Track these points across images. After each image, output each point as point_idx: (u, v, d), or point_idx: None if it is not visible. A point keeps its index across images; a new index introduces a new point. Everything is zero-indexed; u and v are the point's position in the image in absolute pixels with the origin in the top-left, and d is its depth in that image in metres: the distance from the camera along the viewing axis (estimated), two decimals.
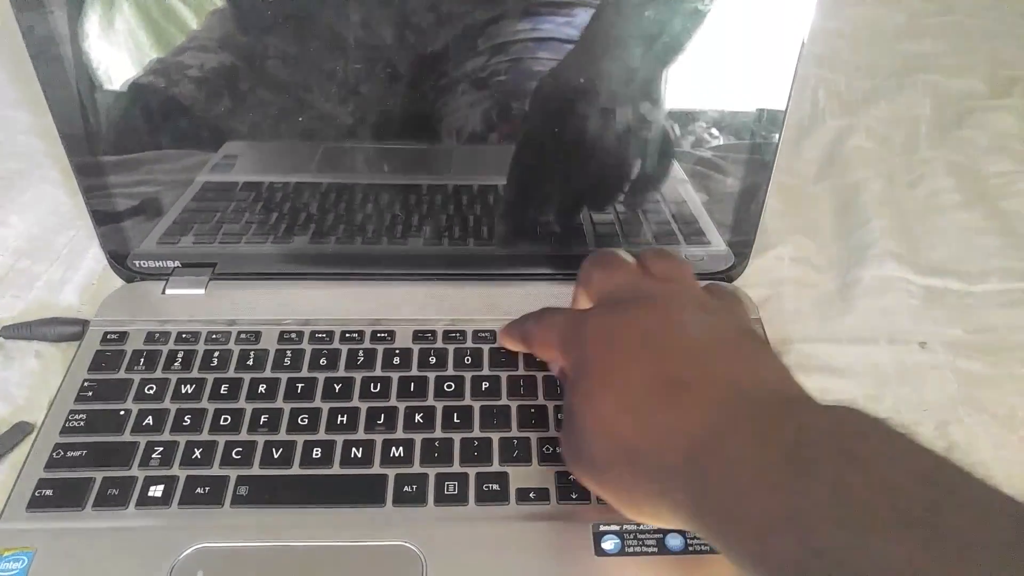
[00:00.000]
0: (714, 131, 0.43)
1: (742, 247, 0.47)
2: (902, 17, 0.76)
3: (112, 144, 0.41)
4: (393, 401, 0.39)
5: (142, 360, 0.40)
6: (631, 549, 0.34)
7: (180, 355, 0.41)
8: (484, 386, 0.40)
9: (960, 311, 0.48)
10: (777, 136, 0.42)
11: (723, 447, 0.26)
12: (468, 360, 0.42)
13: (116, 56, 0.39)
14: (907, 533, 0.21)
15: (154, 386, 0.39)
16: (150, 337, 0.42)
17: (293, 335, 0.42)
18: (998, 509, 0.21)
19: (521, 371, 0.41)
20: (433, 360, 0.41)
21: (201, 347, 0.41)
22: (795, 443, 0.25)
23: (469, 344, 0.42)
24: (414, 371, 0.41)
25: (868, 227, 0.52)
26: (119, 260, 0.45)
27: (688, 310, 0.33)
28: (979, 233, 0.53)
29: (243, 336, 0.42)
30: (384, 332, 0.43)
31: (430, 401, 0.40)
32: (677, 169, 0.45)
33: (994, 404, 0.43)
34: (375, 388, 0.40)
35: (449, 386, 0.40)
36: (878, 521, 0.21)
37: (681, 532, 0.34)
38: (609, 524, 0.35)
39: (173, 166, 0.43)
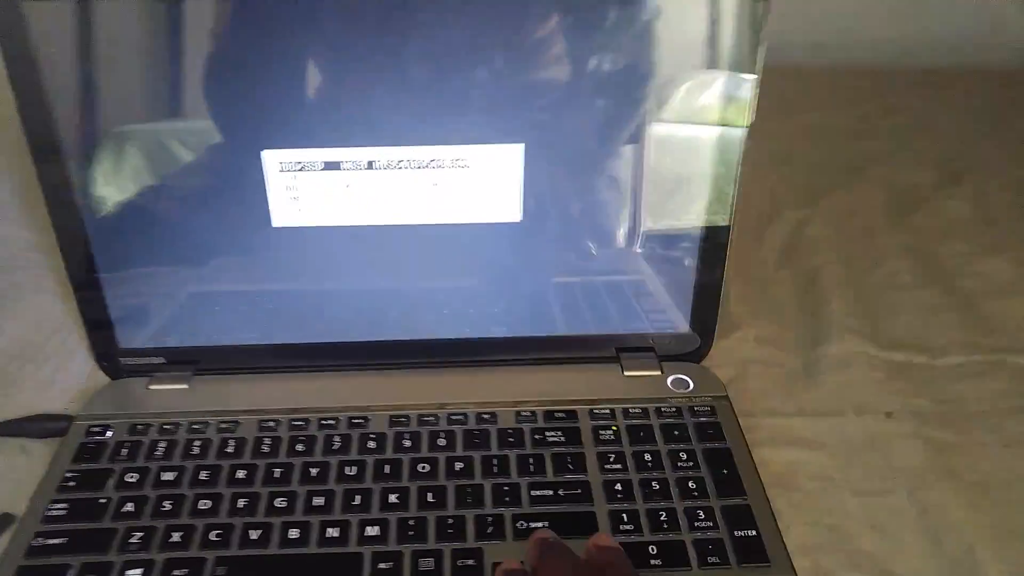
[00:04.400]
0: (673, 227, 0.47)
1: (706, 330, 0.49)
2: (852, 120, 0.81)
3: (104, 256, 0.44)
4: (368, 483, 0.40)
5: (124, 451, 0.42)
6: None
7: (161, 445, 0.42)
8: (458, 466, 0.41)
9: (924, 383, 0.49)
10: (728, 225, 0.45)
11: None
12: (442, 442, 0.43)
13: (113, 184, 0.43)
14: None
15: (136, 475, 0.40)
16: (133, 429, 0.43)
17: (272, 423, 0.44)
18: None
19: (495, 451, 0.42)
20: (408, 443, 0.43)
21: (182, 437, 0.43)
22: None
23: (443, 427, 0.44)
24: (389, 454, 0.42)
25: (829, 307, 0.55)
26: (106, 359, 0.47)
27: None
28: (938, 310, 0.55)
29: (223, 426, 0.43)
30: (359, 418, 0.44)
31: (405, 482, 0.40)
32: (641, 262, 0.47)
33: (964, 470, 0.44)
34: (351, 471, 0.41)
35: (423, 467, 0.41)
36: None
37: None
38: None
39: (159, 277, 0.46)
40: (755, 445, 0.44)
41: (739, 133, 0.43)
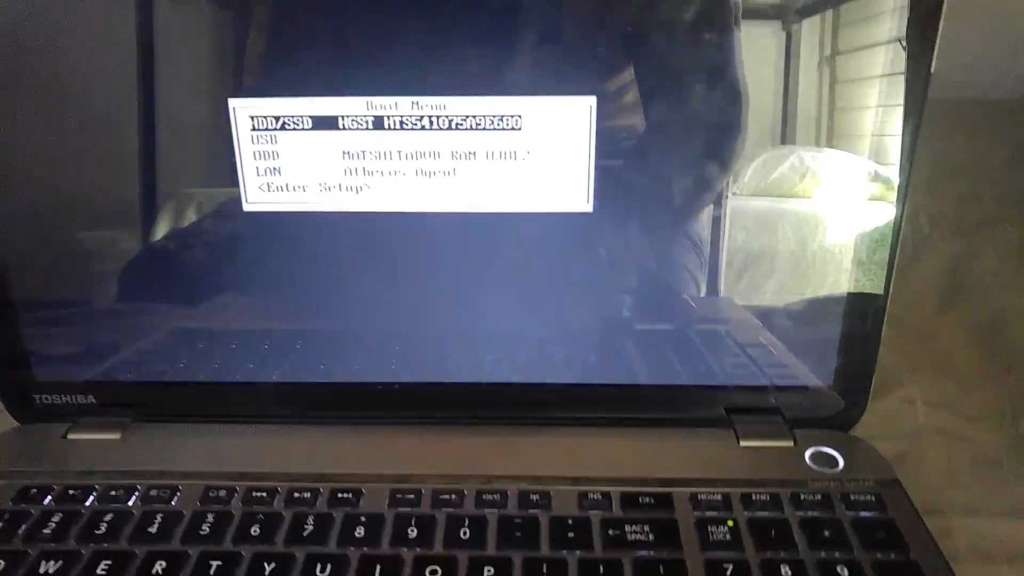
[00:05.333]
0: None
1: (856, 386, 0.34)
2: (1002, 150, 0.66)
3: (19, 260, 0.33)
4: None
5: None
6: None
7: (56, 519, 0.29)
8: (488, 572, 0.27)
9: None
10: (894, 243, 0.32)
11: None
12: (466, 533, 0.28)
13: None
14: None
15: (2, 562, 0.27)
16: (23, 494, 0.30)
17: (221, 492, 0.30)
18: None
19: (545, 551, 0.27)
20: (414, 532, 0.28)
21: (90, 508, 0.29)
22: None
23: (468, 511, 0.29)
24: (384, 547, 0.28)
25: None
26: (14, 396, 0.34)
27: None
28: None
29: (154, 493, 0.30)
30: (347, 491, 0.30)
31: None
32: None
33: None
34: (323, 571, 0.27)
35: (434, 571, 0.27)
36: None
37: None
38: None
39: (93, 289, 0.34)
40: (952, 559, 0.28)
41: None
